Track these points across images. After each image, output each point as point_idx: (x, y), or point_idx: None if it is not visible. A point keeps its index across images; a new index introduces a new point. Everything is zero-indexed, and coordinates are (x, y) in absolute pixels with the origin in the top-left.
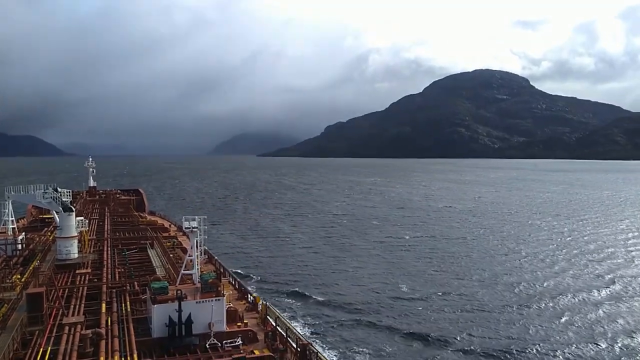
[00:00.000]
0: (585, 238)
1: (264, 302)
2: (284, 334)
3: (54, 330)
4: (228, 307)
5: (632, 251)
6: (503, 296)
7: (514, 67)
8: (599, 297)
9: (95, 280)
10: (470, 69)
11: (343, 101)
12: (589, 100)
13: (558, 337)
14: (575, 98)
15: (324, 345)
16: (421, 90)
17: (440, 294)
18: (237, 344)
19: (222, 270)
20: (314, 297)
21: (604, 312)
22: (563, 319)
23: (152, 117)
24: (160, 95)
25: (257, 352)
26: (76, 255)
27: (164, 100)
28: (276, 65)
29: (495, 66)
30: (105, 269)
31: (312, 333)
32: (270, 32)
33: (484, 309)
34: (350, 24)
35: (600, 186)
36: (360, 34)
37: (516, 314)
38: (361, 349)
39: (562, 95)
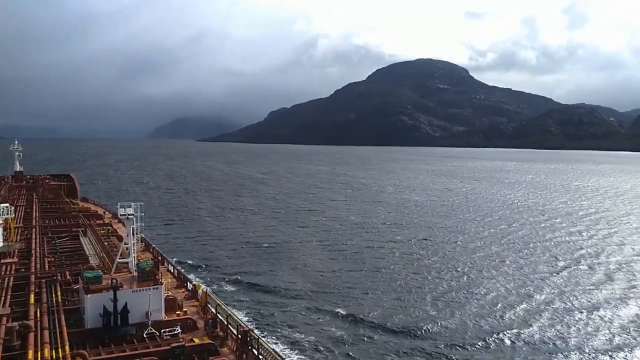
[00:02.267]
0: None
1: (204, 290)
2: (225, 321)
3: None
4: (166, 296)
5: None
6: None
7: (461, 57)
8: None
9: (23, 270)
10: (421, 58)
11: (289, 86)
12: (522, 92)
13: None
14: (511, 89)
15: (266, 331)
16: (364, 78)
17: (384, 280)
18: (176, 332)
19: (160, 258)
20: (255, 284)
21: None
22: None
23: (86, 99)
24: (97, 76)
25: (196, 340)
26: (1, 244)
27: (100, 82)
28: (221, 48)
29: (444, 56)
30: (33, 258)
31: (253, 320)
32: (216, 13)
33: (439, 296)
34: (300, 7)
35: (561, 176)
36: (310, 18)
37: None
38: (302, 334)
39: (500, 86)
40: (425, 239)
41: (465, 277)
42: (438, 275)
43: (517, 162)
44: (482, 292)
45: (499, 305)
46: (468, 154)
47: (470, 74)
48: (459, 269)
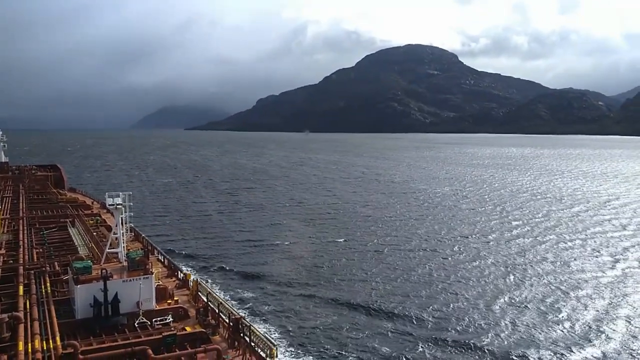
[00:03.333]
0: None
1: (195, 279)
2: (216, 310)
3: None
4: (157, 285)
5: None
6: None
7: (454, 43)
8: None
9: (11, 261)
10: (410, 43)
11: (278, 74)
12: (511, 77)
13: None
14: (500, 74)
15: (257, 319)
16: (354, 65)
17: (376, 266)
18: (167, 321)
19: (150, 247)
20: (247, 272)
21: None
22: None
23: (72, 88)
24: (83, 65)
25: (188, 329)
26: None
27: (86, 70)
28: (210, 36)
29: (437, 41)
30: (21, 249)
31: (245, 307)
32: (205, 0)
33: (428, 284)
34: None
35: (569, 161)
36: (299, 5)
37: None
38: (293, 320)
39: (489, 71)
40: (446, 233)
41: (506, 276)
42: (458, 271)
43: (516, 147)
44: (529, 293)
45: (552, 308)
46: (463, 140)
47: (462, 59)
48: (496, 269)
